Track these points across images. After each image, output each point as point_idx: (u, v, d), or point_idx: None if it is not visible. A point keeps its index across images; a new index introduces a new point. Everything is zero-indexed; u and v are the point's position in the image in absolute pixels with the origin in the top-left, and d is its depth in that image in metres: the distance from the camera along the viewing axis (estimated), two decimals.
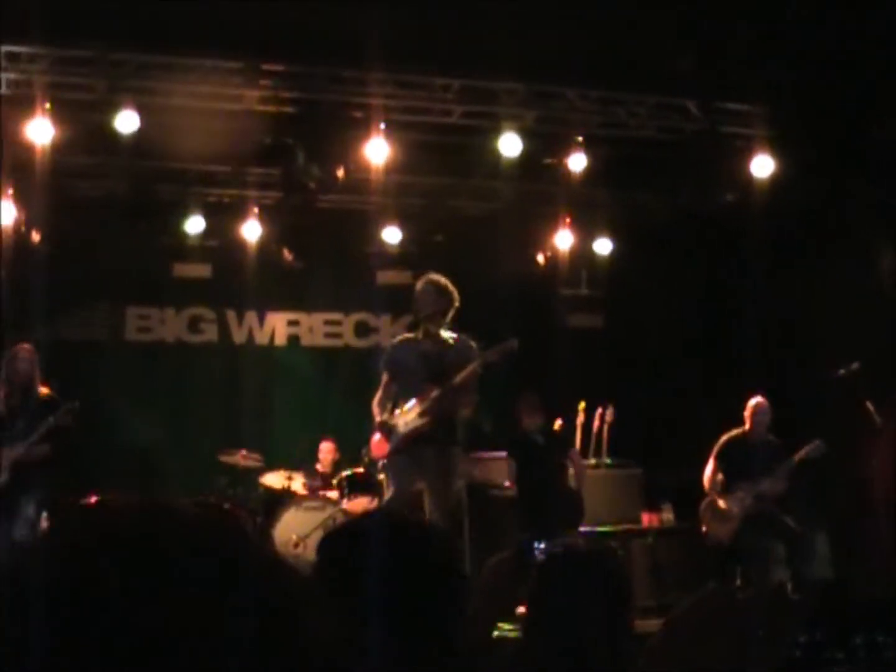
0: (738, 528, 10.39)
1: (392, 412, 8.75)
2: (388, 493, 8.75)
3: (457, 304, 8.65)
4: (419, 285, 8.78)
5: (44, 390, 9.51)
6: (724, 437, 10.64)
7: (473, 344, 8.70)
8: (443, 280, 8.74)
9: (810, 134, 11.27)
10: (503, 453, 11.48)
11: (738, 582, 10.37)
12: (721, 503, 10.47)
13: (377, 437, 8.90)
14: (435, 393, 8.23)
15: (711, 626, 2.08)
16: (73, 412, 9.37)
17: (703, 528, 10.63)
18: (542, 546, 9.77)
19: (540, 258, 13.87)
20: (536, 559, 9.22)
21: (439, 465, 8.08)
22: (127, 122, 10.42)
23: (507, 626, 7.36)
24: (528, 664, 3.24)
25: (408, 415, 8.57)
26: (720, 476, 10.61)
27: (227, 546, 1.39)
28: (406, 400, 8.70)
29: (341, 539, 2.46)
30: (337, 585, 2.28)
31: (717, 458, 10.62)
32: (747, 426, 10.60)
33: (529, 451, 10.59)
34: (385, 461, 8.90)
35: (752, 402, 10.61)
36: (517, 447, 10.76)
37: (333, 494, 11.74)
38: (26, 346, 9.57)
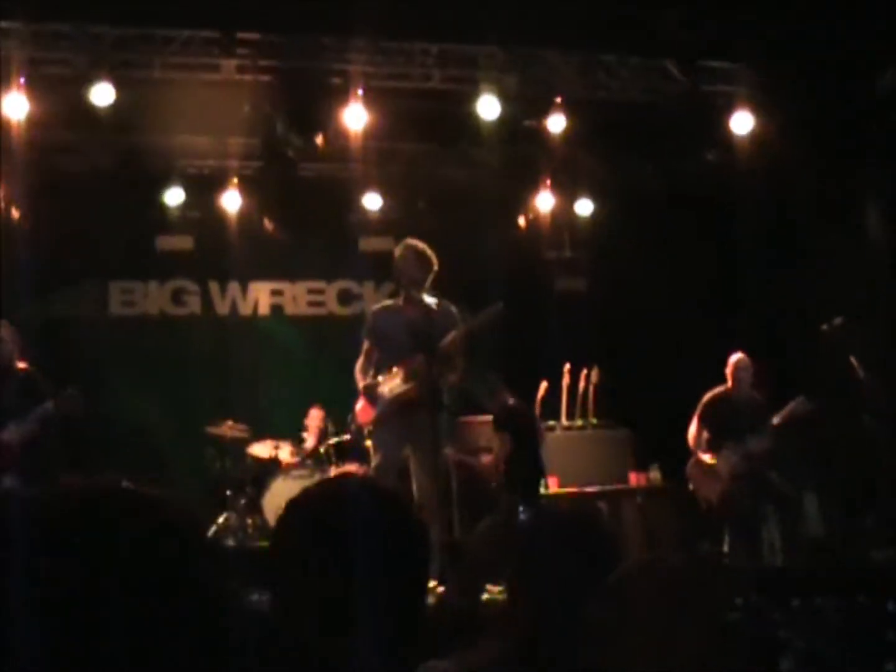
0: (727, 488, 10.40)
1: (375, 378, 8.74)
2: (374, 460, 8.75)
3: (436, 267, 8.63)
4: (398, 251, 8.75)
5: (22, 366, 9.21)
6: (708, 396, 10.63)
7: (454, 309, 8.68)
8: (420, 245, 8.70)
9: (794, 90, 11.26)
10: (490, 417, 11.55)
11: (727, 541, 10.44)
12: (708, 460, 10.48)
13: (361, 402, 8.89)
14: (420, 359, 8.23)
15: (640, 596, 2.09)
16: (75, 399, 9.06)
17: (691, 487, 10.65)
18: (528, 509, 9.82)
19: (521, 221, 13.86)
20: (522, 522, 9.26)
21: (427, 431, 8.08)
22: (102, 94, 10.38)
23: (496, 590, 7.40)
24: (513, 626, 3.25)
25: (392, 380, 8.57)
26: (705, 434, 10.60)
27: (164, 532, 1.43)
28: (390, 366, 8.68)
29: (306, 504, 2.46)
30: (295, 554, 2.29)
31: (701, 417, 10.61)
32: (729, 383, 10.60)
33: (526, 424, 10.71)
34: (370, 428, 8.91)
35: (733, 358, 10.59)
36: (512, 420, 10.83)
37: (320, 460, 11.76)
38: (3, 323, 9.23)
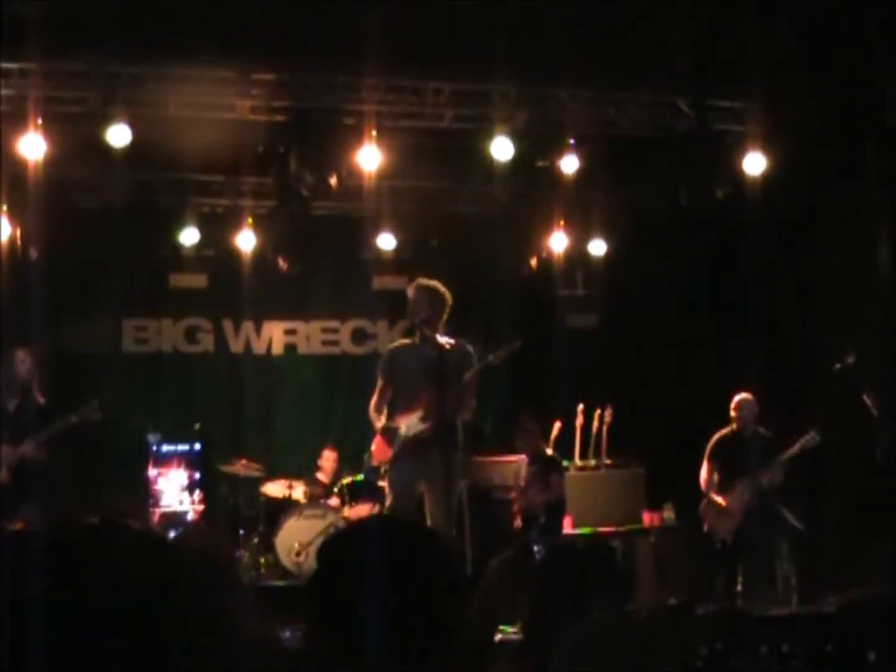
0: (740, 524, 10.40)
1: (389, 417, 8.75)
2: (389, 499, 8.75)
3: (449, 306, 8.65)
4: (410, 291, 8.78)
5: (40, 399, 9.63)
6: (716, 437, 10.69)
7: (471, 348, 8.71)
8: (433, 283, 8.73)
9: (803, 129, 11.28)
10: (504, 456, 11.61)
11: (741, 580, 10.41)
12: (720, 501, 10.48)
13: (378, 441, 8.89)
14: (437, 398, 8.23)
15: (608, 648, 2.08)
16: (95, 409, 9.56)
17: (705, 527, 10.63)
18: (541, 546, 9.82)
19: (533, 261, 13.86)
20: (538, 560, 9.25)
21: (441, 468, 8.07)
22: (119, 135, 10.43)
23: (508, 630, 7.36)
24: (529, 663, 3.25)
25: (410, 419, 8.58)
26: (716, 476, 10.62)
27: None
28: (404, 405, 8.70)
29: (340, 544, 2.47)
30: (337, 590, 2.28)
31: (711, 458, 10.65)
32: (734, 423, 10.64)
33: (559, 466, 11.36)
34: (387, 466, 8.91)
35: (736, 398, 10.67)
36: (556, 463, 11.39)
37: (335, 502, 11.75)
38: (23, 349, 9.66)
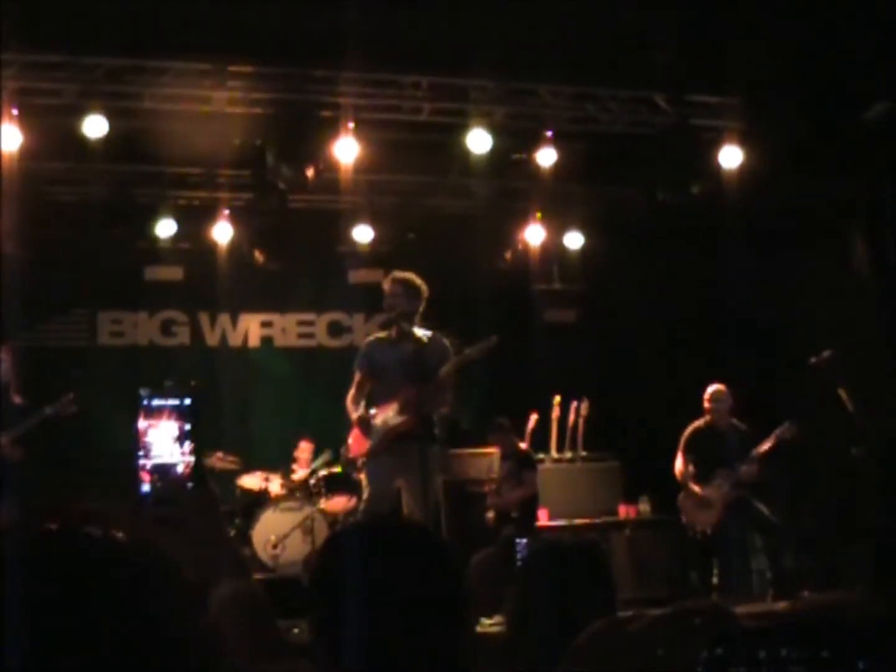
0: (720, 516, 10.42)
1: (366, 410, 8.74)
2: (365, 493, 8.74)
3: (426, 297, 8.64)
4: (387, 285, 8.74)
5: (17, 399, 9.73)
6: (690, 428, 10.68)
7: (447, 342, 8.71)
8: (409, 276, 8.70)
9: (781, 124, 11.32)
10: (481, 449, 11.64)
11: (716, 573, 10.44)
12: (699, 491, 10.49)
13: (355, 434, 8.88)
14: (413, 392, 8.23)
15: (606, 659, 2.08)
16: (71, 401, 9.69)
17: (683, 519, 10.65)
18: (525, 541, 9.83)
19: (510, 255, 13.86)
20: (520, 555, 9.28)
21: (418, 462, 8.07)
22: (95, 126, 10.40)
23: (488, 622, 7.38)
24: (514, 659, 3.25)
25: (386, 413, 8.57)
26: (691, 467, 10.63)
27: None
28: (382, 398, 8.69)
29: (344, 542, 2.46)
30: (339, 590, 2.28)
31: (686, 450, 10.65)
32: (708, 415, 10.64)
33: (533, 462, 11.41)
34: (364, 460, 8.90)
35: (710, 389, 10.66)
36: (530, 460, 11.42)
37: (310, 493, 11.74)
38: (3, 347, 9.75)
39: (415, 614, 2.21)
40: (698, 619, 2.10)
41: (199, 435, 12.46)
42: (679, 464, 10.63)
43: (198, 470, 12.15)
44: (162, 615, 1.43)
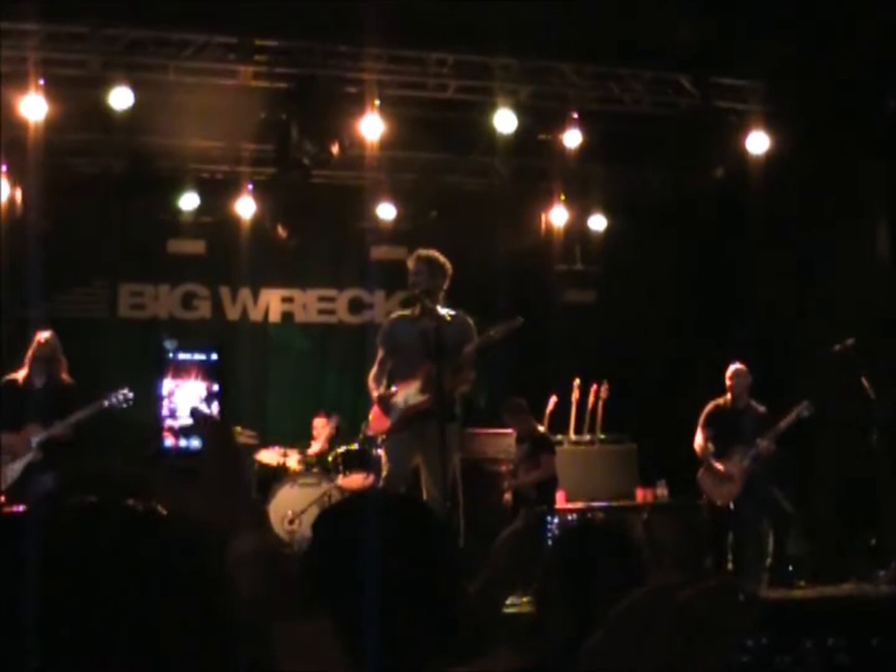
0: (739, 491, 10.42)
1: (388, 388, 8.74)
2: (384, 470, 8.74)
3: (449, 276, 8.63)
4: (411, 262, 8.73)
5: (66, 377, 9.92)
6: (710, 405, 10.70)
7: (471, 320, 8.69)
8: (434, 254, 8.69)
9: (805, 109, 11.26)
10: (498, 429, 11.63)
11: (730, 557, 10.44)
12: (720, 467, 10.48)
13: (375, 412, 8.88)
14: (435, 370, 8.21)
15: (650, 627, 2.05)
16: (126, 398, 9.92)
17: (703, 494, 10.64)
18: (556, 520, 9.88)
19: (532, 235, 13.82)
20: (550, 533, 9.34)
21: (437, 440, 8.06)
22: (121, 98, 10.40)
23: (513, 602, 7.37)
24: (540, 636, 3.23)
25: (408, 391, 8.56)
26: (710, 445, 10.62)
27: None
28: (403, 376, 8.68)
29: (333, 519, 2.47)
30: (332, 563, 2.29)
31: (707, 426, 10.65)
32: (729, 393, 10.65)
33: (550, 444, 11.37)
34: (383, 437, 8.90)
35: (732, 368, 10.67)
36: (547, 442, 11.36)
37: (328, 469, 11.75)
38: (48, 332, 9.90)
39: (402, 588, 2.22)
40: (742, 596, 2.07)
41: (227, 396, 12.42)
42: (699, 439, 10.63)
43: (224, 428, 12.09)
44: (202, 591, 1.41)
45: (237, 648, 1.44)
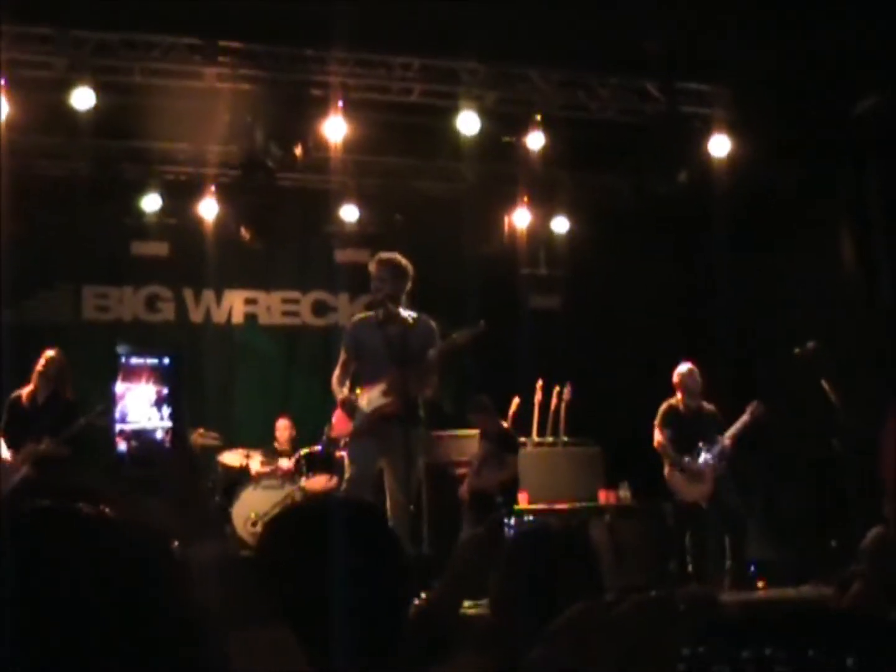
0: (713, 488, 10.49)
1: (351, 390, 8.75)
2: (348, 473, 8.74)
3: (411, 278, 8.64)
4: (373, 266, 8.72)
5: (69, 394, 10.33)
6: (664, 406, 10.77)
7: (433, 324, 8.70)
8: (395, 257, 8.70)
9: (770, 114, 11.32)
10: (463, 431, 11.67)
11: (689, 560, 10.51)
12: (691, 466, 10.53)
13: (338, 414, 8.88)
14: (400, 374, 8.23)
15: (585, 642, 2.07)
16: (106, 413, 9.82)
17: (674, 495, 10.67)
18: (513, 523, 9.89)
19: (496, 239, 13.84)
20: (508, 536, 9.32)
21: (402, 444, 8.09)
22: (83, 99, 10.36)
23: (469, 605, 7.38)
24: (495, 641, 3.25)
25: (371, 394, 8.57)
26: (668, 443, 10.69)
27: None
28: (367, 379, 8.69)
29: (281, 524, 2.50)
30: (279, 568, 2.32)
31: (664, 426, 10.71)
32: (679, 392, 10.72)
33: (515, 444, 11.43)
34: (347, 440, 8.91)
35: (683, 367, 10.75)
36: (512, 442, 11.43)
37: (290, 471, 11.72)
38: (55, 351, 10.31)
39: (351, 593, 2.25)
40: (683, 605, 2.10)
41: (178, 398, 12.38)
42: (660, 437, 10.69)
43: (177, 431, 12.04)
44: (154, 594, 1.43)
45: (190, 654, 1.45)
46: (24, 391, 10.06)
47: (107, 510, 1.47)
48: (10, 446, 9.86)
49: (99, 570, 1.39)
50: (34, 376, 10.07)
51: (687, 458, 10.56)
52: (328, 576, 2.27)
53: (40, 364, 10.08)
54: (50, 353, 10.13)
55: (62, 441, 9.86)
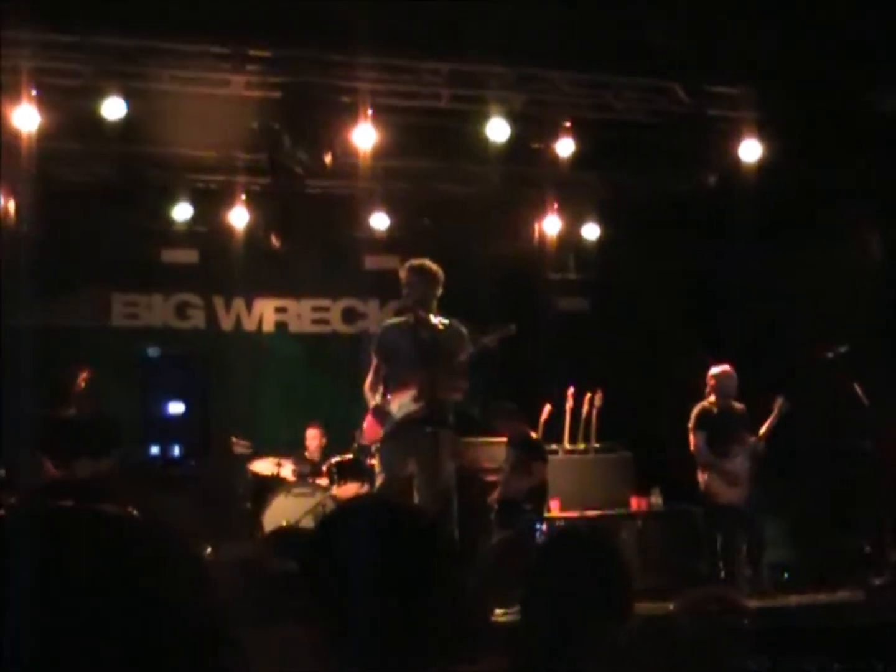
0: (749, 490, 10.48)
1: (384, 396, 8.75)
2: (379, 479, 8.74)
3: (442, 284, 8.64)
4: (403, 273, 8.74)
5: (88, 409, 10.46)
6: (698, 408, 10.75)
7: (464, 329, 8.69)
8: (426, 263, 8.71)
9: (798, 117, 11.27)
10: (492, 438, 11.63)
11: (722, 566, 10.46)
12: (728, 467, 10.50)
13: (369, 421, 8.88)
14: (430, 379, 8.22)
15: (653, 657, 2.05)
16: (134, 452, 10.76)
17: (711, 498, 10.62)
18: (544, 527, 9.88)
19: (525, 243, 13.82)
20: (538, 540, 9.33)
21: (431, 448, 8.08)
22: (113, 108, 10.40)
23: (500, 612, 7.35)
24: (525, 644, 3.24)
25: (402, 399, 8.56)
26: (707, 447, 10.66)
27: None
28: (397, 384, 8.69)
29: (329, 528, 2.48)
30: (330, 571, 2.29)
31: (699, 428, 10.68)
32: (713, 395, 10.70)
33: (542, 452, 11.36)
34: (378, 446, 8.90)
35: (718, 369, 10.75)
36: (539, 449, 11.37)
37: (323, 481, 11.72)
38: (84, 368, 10.54)
39: (398, 595, 2.22)
40: (746, 619, 2.06)
41: (207, 405, 12.39)
42: (697, 442, 10.65)
43: (206, 437, 12.07)
44: (175, 595, 1.42)
45: (210, 655, 1.44)
46: (69, 411, 10.32)
47: (130, 511, 1.46)
48: (58, 466, 9.88)
49: (120, 571, 1.37)
50: (74, 397, 10.32)
51: (724, 461, 10.52)
52: (376, 576, 2.23)
53: (78, 383, 10.31)
54: (86, 373, 10.39)
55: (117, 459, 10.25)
